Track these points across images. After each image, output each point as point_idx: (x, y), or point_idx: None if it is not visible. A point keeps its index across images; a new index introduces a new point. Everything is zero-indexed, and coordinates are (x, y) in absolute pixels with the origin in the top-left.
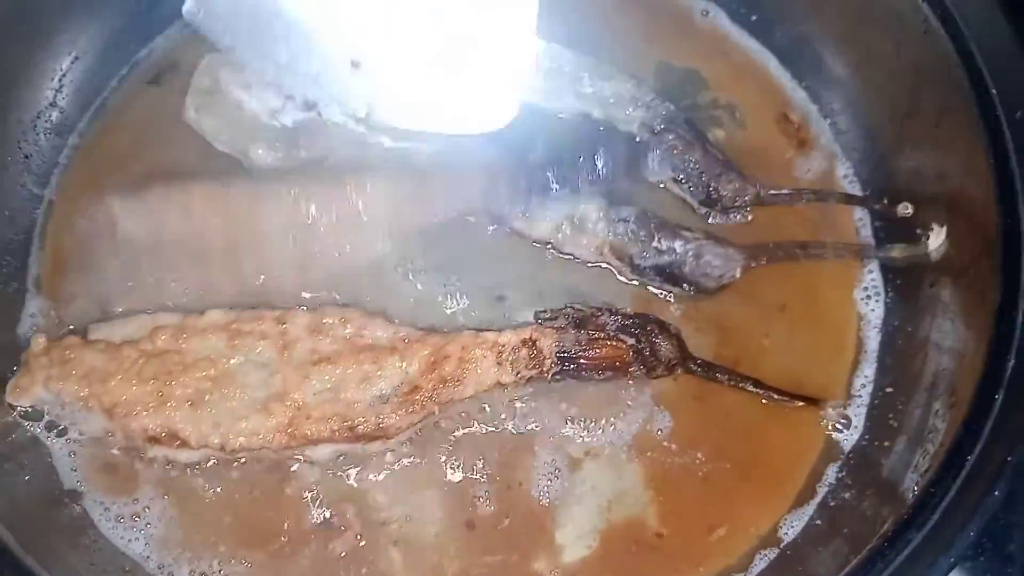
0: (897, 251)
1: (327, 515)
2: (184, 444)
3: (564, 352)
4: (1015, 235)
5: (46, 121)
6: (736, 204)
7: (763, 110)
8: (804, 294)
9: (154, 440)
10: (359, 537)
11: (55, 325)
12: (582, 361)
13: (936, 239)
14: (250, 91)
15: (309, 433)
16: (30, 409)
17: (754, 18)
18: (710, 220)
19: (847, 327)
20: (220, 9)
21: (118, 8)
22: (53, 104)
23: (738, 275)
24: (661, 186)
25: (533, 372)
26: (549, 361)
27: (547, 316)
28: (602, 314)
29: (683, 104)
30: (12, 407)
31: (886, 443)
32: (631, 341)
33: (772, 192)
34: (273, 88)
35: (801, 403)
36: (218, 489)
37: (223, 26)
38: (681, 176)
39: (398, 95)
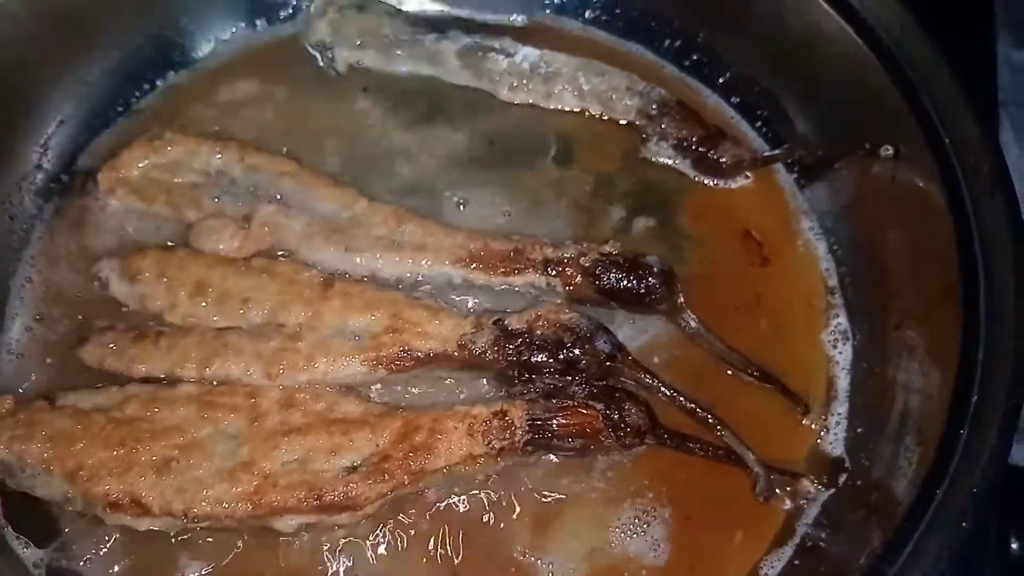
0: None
1: None
2: (146, 511)
3: (536, 420)
4: (973, 277)
5: (31, 183)
6: (735, 166)
7: None
8: (774, 339)
9: (115, 506)
10: None
11: (24, 389)
12: (553, 428)
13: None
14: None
15: (275, 502)
16: None
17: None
18: (711, 184)
19: (817, 370)
20: None
21: (103, 73)
22: (39, 167)
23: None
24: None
25: (505, 443)
26: (521, 431)
27: (518, 388)
28: (571, 384)
29: None
30: None
31: (859, 481)
32: (600, 406)
33: (766, 154)
34: None
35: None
36: (207, 568)
37: None
38: (681, 151)
39: None
